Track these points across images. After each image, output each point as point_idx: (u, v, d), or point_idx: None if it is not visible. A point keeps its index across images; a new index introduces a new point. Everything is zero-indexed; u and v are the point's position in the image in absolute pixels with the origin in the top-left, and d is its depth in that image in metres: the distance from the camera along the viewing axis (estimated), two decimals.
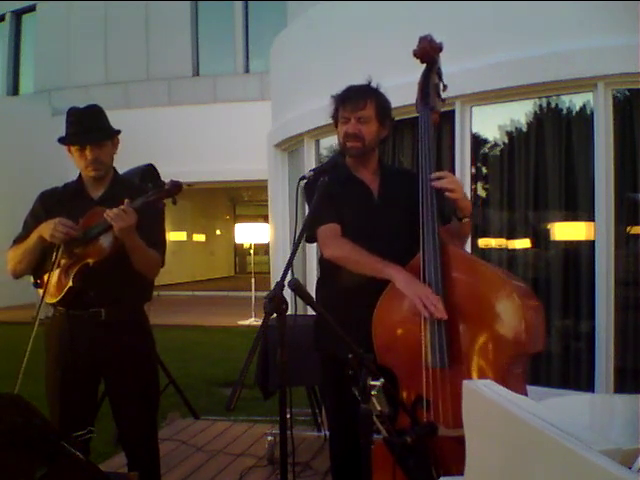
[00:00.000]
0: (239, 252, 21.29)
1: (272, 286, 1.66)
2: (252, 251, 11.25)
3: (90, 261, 2.29)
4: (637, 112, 4.00)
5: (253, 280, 10.43)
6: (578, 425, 1.13)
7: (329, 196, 2.13)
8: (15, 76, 17.14)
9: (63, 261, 2.31)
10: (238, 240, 11.88)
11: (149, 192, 2.23)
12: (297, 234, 1.87)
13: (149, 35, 15.42)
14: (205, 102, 14.08)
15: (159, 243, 2.44)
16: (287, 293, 1.66)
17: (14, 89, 17.05)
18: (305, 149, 6.16)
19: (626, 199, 4.05)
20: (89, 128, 2.37)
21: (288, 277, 1.68)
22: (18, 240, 2.45)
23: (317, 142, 6.11)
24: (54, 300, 2.35)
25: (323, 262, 2.41)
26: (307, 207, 2.32)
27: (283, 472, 1.67)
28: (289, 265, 1.75)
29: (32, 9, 16.63)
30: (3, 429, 1.64)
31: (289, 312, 1.70)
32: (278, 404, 1.66)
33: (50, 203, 2.48)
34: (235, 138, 12.65)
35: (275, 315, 1.64)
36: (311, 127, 5.80)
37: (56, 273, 2.31)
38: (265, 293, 1.66)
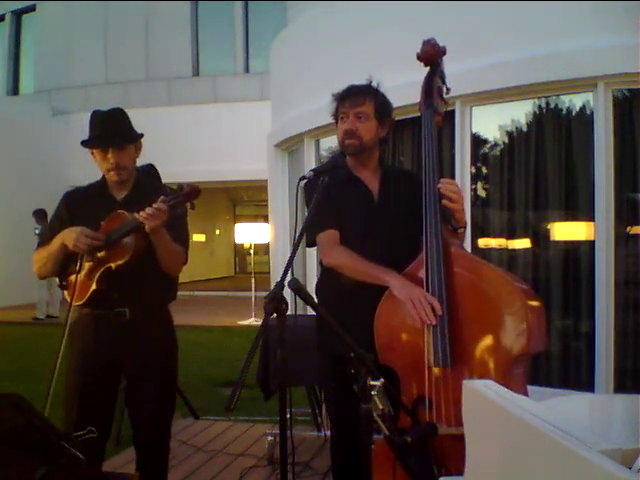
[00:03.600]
0: (239, 252, 21.27)
1: (272, 286, 1.66)
2: (252, 251, 11.25)
3: (112, 265, 2.31)
4: (637, 112, 4.00)
5: (253, 280, 10.43)
6: (578, 425, 1.13)
7: (328, 198, 2.13)
8: (15, 76, 17.15)
9: (86, 264, 2.35)
10: (238, 240, 11.87)
11: (169, 197, 2.24)
12: (297, 234, 1.87)
13: (149, 35, 15.43)
14: (205, 102, 14.08)
15: (182, 239, 2.45)
16: (287, 293, 1.66)
17: (14, 89, 17.06)
18: (305, 149, 6.16)
19: (626, 199, 4.05)
20: (111, 131, 2.39)
21: (288, 277, 1.68)
22: (43, 242, 2.49)
23: (317, 142, 6.11)
24: (79, 302, 2.38)
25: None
26: (306, 209, 2.32)
27: (283, 472, 1.67)
28: (289, 265, 1.75)
29: (32, 9, 16.64)
30: (3, 429, 1.64)
31: (289, 312, 1.70)
32: (278, 404, 1.66)
33: (74, 204, 2.51)
34: (235, 138, 12.64)
35: (275, 315, 1.64)
36: (311, 127, 5.80)
37: (80, 276, 2.34)
38: (265, 293, 1.66)
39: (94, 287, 2.33)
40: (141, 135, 2.49)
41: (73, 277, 2.35)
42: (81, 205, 2.49)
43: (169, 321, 2.58)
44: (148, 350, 2.43)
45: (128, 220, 2.26)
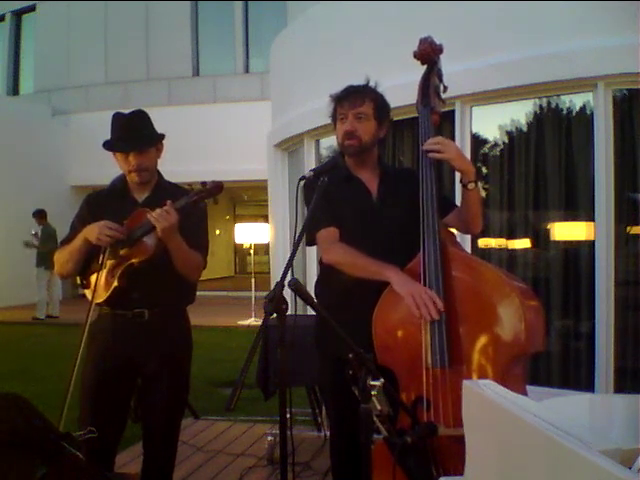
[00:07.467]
0: (239, 252, 21.26)
1: (272, 286, 1.66)
2: (252, 251, 11.25)
3: (135, 261, 2.32)
4: (637, 112, 4.00)
5: (253, 280, 10.43)
6: (578, 425, 1.13)
7: (327, 197, 2.13)
8: (15, 76, 17.16)
9: (109, 262, 2.36)
10: (238, 240, 11.87)
11: (191, 193, 2.24)
12: (297, 234, 1.87)
13: (149, 35, 15.43)
14: (205, 102, 14.09)
15: (201, 245, 2.46)
16: (287, 293, 1.66)
17: (14, 89, 17.07)
18: (305, 149, 6.16)
19: (626, 199, 4.05)
20: (133, 135, 2.40)
21: (288, 277, 1.68)
22: (64, 242, 2.49)
23: (317, 142, 6.11)
24: (100, 300, 2.39)
25: (323, 263, 2.41)
26: (306, 208, 2.32)
27: (283, 472, 1.67)
28: (289, 265, 1.75)
29: (32, 9, 16.65)
30: (3, 429, 1.65)
31: (289, 312, 1.70)
32: (278, 404, 1.66)
33: (96, 206, 2.52)
34: (235, 138, 12.65)
35: (275, 315, 1.64)
36: (311, 127, 5.80)
37: (103, 274, 2.35)
38: (265, 293, 1.66)
39: (116, 284, 2.33)
40: (162, 136, 2.51)
41: (95, 275, 2.35)
42: (103, 206, 2.51)
43: (186, 324, 2.59)
44: (164, 352, 2.43)
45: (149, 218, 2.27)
